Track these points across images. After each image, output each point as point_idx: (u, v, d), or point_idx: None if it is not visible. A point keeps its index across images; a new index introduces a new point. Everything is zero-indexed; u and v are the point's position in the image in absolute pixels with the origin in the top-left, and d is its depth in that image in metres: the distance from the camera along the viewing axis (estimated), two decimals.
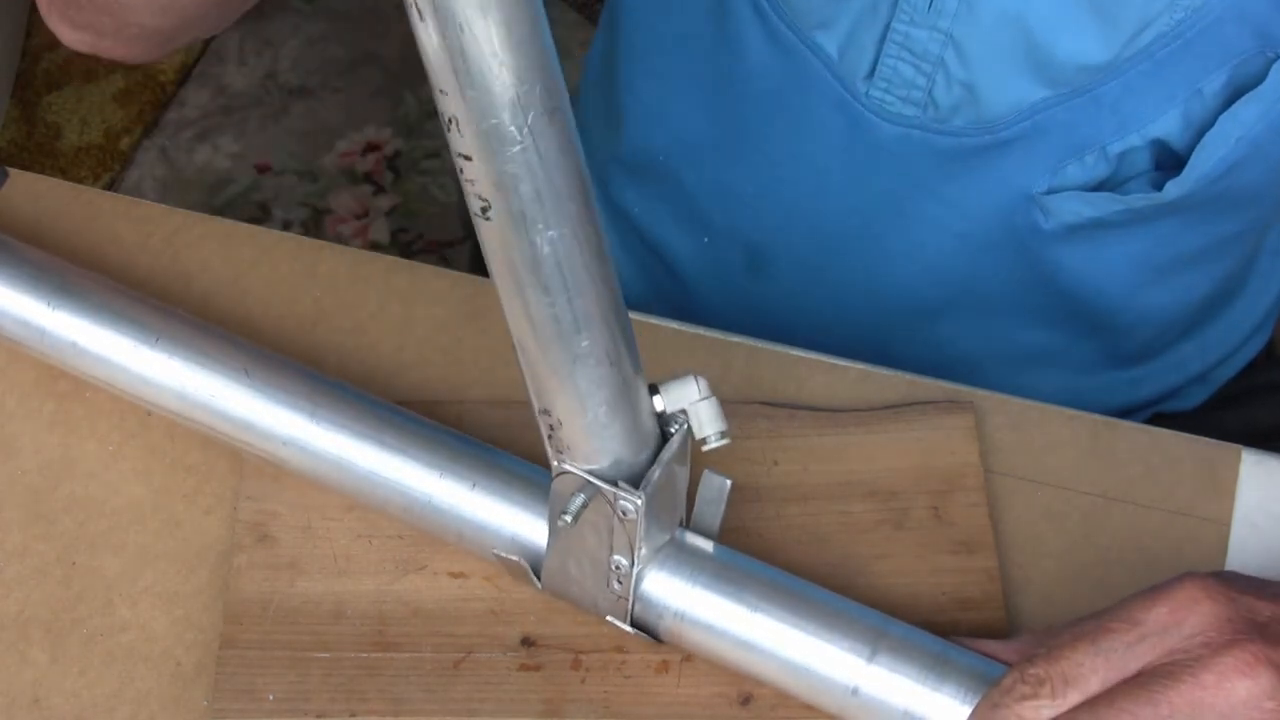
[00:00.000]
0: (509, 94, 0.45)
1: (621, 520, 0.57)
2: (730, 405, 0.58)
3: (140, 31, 0.67)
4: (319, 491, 0.66)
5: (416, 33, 0.45)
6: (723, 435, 0.57)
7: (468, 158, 0.47)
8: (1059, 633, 0.57)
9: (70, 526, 0.67)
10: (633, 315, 0.72)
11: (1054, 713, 0.54)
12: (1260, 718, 0.53)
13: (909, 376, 0.72)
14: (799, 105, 0.77)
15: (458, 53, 0.44)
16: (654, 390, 0.57)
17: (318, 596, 0.64)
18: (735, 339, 0.73)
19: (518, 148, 0.46)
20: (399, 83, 1.87)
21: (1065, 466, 0.69)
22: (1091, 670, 0.54)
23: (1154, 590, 0.56)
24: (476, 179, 0.48)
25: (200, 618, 0.65)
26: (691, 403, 0.57)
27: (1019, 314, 0.82)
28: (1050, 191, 0.74)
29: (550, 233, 0.49)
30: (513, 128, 0.46)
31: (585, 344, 0.52)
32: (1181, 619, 0.54)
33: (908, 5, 0.70)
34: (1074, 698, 0.54)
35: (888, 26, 0.71)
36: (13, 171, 0.76)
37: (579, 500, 0.57)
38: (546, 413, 0.55)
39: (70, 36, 0.69)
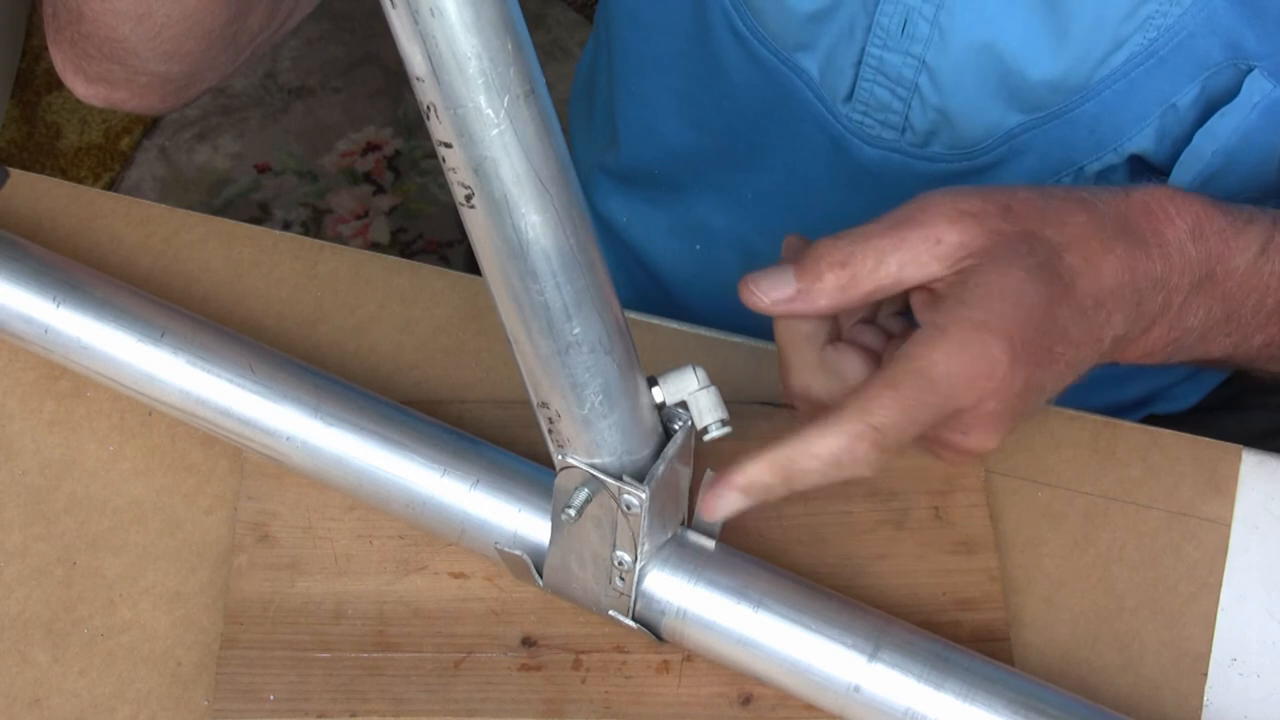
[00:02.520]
0: (483, 77, 0.45)
1: (625, 514, 0.57)
2: (730, 405, 0.58)
3: (151, 80, 0.68)
4: (320, 491, 0.66)
5: (390, 21, 0.45)
6: (723, 424, 0.57)
7: (448, 145, 0.47)
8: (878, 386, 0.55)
9: (71, 526, 0.67)
10: (631, 315, 0.73)
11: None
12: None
13: None
14: (786, 122, 0.77)
15: (430, 38, 0.45)
16: (653, 383, 0.57)
17: (318, 596, 0.64)
18: (736, 339, 0.73)
19: (496, 131, 0.46)
20: (399, 83, 1.87)
21: (1065, 466, 0.69)
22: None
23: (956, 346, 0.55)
24: (458, 166, 0.48)
25: (201, 618, 0.65)
26: (691, 392, 0.57)
27: None
28: None
29: (534, 217, 0.49)
30: (489, 111, 0.46)
31: (577, 330, 0.52)
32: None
33: (881, 30, 0.71)
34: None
35: (863, 50, 0.72)
36: (13, 171, 0.76)
37: (583, 494, 0.57)
38: (545, 405, 0.55)
39: (85, 91, 0.70)
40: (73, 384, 0.70)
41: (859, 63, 0.72)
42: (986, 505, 0.67)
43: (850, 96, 0.74)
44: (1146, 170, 0.72)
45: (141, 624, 0.64)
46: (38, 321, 0.66)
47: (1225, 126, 0.69)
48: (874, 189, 0.77)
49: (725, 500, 0.57)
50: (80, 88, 0.70)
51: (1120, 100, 0.69)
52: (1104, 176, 0.73)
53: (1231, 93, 0.68)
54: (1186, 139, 0.70)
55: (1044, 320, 0.56)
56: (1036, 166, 0.72)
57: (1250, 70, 0.67)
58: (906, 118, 0.73)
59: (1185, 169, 0.70)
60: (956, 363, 0.55)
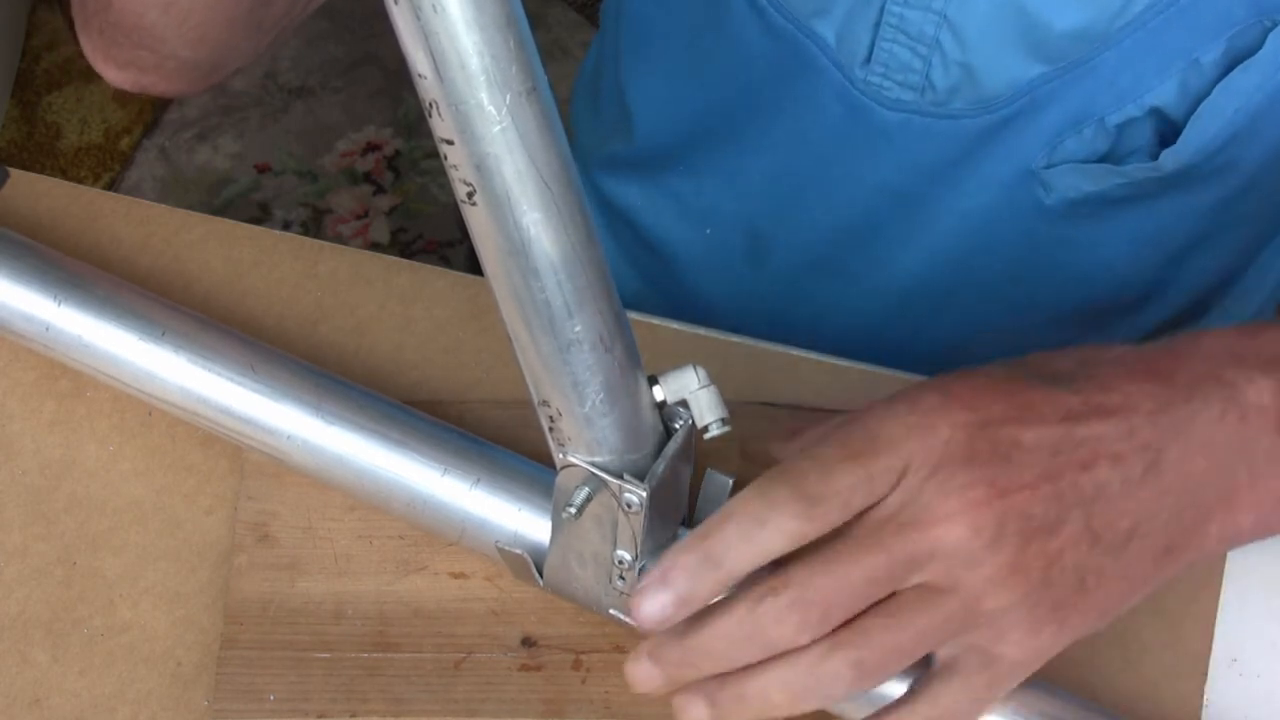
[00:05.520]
0: (485, 74, 0.45)
1: (626, 513, 0.57)
2: (731, 405, 0.58)
3: (178, 65, 0.68)
4: (320, 491, 0.66)
5: (392, 18, 0.45)
6: (724, 423, 0.57)
7: (450, 142, 0.47)
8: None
9: (70, 526, 0.67)
10: (631, 315, 0.73)
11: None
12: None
13: (909, 377, 0.72)
14: (801, 94, 0.77)
15: (432, 34, 0.45)
16: (654, 381, 0.57)
17: (318, 597, 0.64)
18: (735, 339, 0.73)
19: (498, 128, 0.47)
20: (399, 83, 1.88)
21: None
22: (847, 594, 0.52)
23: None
24: (460, 163, 0.48)
25: (201, 618, 0.65)
26: (691, 391, 0.57)
27: (1022, 302, 0.82)
28: (1049, 166, 0.74)
29: (536, 214, 0.49)
30: (491, 107, 0.46)
31: (578, 329, 0.52)
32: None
33: None
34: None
35: (882, 10, 0.71)
36: (13, 171, 0.76)
37: (584, 493, 0.57)
38: (545, 403, 0.55)
39: (115, 76, 0.71)
40: (73, 384, 0.70)
41: (878, 24, 0.72)
42: None
43: (869, 59, 0.73)
44: (1170, 129, 0.72)
45: (141, 624, 0.65)
46: (39, 320, 0.66)
47: (1248, 83, 0.69)
48: (890, 156, 0.76)
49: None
50: (111, 73, 0.71)
51: (1141, 51, 0.69)
52: (1125, 129, 0.72)
53: (1257, 51, 0.68)
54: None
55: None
56: (1058, 118, 0.72)
57: (1275, 27, 0.67)
58: (927, 76, 0.72)
59: (1204, 124, 0.70)
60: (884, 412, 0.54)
